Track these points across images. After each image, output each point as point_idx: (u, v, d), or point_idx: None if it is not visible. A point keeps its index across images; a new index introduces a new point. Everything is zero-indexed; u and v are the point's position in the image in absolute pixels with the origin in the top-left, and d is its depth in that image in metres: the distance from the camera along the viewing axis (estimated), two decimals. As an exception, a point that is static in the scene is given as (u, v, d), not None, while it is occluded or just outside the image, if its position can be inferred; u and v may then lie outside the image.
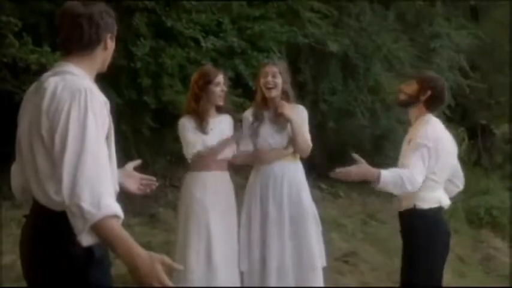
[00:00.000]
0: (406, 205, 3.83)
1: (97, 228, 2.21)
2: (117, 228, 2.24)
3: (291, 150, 4.45)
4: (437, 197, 3.85)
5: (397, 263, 6.42)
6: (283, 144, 4.45)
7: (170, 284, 2.22)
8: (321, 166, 9.45)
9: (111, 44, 2.58)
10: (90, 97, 2.35)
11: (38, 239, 2.42)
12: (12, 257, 4.73)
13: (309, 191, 4.53)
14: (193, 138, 4.28)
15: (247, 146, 4.45)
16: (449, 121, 14.55)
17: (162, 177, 6.93)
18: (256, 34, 7.18)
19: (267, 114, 4.49)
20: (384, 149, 9.46)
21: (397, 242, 7.23)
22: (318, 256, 4.43)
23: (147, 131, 6.85)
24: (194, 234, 4.27)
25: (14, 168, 2.57)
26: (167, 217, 6.56)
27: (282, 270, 4.32)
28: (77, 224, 2.22)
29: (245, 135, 4.47)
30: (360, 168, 3.64)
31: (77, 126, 2.29)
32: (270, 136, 4.45)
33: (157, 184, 3.28)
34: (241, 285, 4.37)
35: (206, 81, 4.37)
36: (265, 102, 4.48)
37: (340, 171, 3.63)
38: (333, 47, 7.90)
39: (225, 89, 4.43)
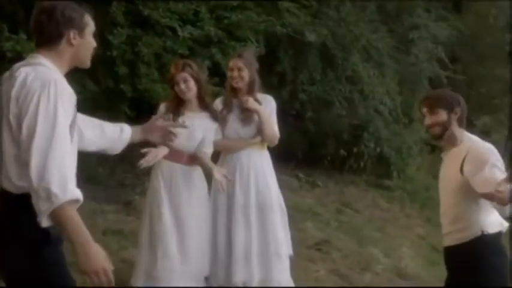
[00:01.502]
0: (471, 234, 3.55)
1: (59, 210, 2.34)
2: (75, 214, 2.39)
3: (258, 139, 4.50)
4: (499, 219, 3.63)
5: (368, 251, 6.58)
6: (250, 133, 4.50)
7: (111, 276, 2.43)
8: (299, 156, 9.56)
9: (79, 40, 2.64)
10: (59, 88, 2.46)
11: (4, 224, 2.51)
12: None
13: (275, 180, 4.59)
14: None
15: (218, 134, 4.48)
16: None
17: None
18: (233, 23, 7.22)
19: (235, 103, 4.53)
20: (363, 139, 9.54)
21: (370, 230, 7.41)
22: (284, 244, 4.49)
23: (123, 119, 6.86)
24: (159, 221, 4.32)
25: None
26: (142, 205, 6.60)
27: (248, 257, 4.37)
28: (41, 206, 2.33)
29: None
30: None
31: (47, 114, 2.39)
32: (237, 125, 4.49)
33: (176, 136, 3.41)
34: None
35: (170, 78, 4.41)
36: (234, 91, 4.52)
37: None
38: (311, 37, 7.95)
39: (183, 87, 4.29)
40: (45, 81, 2.45)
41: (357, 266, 6.05)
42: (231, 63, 4.52)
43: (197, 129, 4.34)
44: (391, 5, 10.59)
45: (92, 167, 6.79)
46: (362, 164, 9.42)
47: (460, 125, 3.66)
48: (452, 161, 3.61)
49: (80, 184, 2.56)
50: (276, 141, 4.55)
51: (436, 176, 4.01)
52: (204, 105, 4.42)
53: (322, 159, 9.51)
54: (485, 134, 15.73)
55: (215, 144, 4.45)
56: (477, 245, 3.54)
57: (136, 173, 7.44)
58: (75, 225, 2.37)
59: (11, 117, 2.45)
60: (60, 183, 2.33)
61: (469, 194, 3.48)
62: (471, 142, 3.60)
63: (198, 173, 4.42)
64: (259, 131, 4.47)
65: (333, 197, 8.56)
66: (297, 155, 9.51)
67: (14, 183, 2.49)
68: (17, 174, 2.47)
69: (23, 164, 2.39)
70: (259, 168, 4.50)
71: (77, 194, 2.40)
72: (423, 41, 10.21)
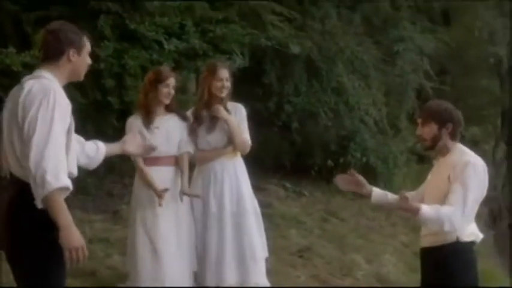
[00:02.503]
0: (446, 239, 3.64)
1: (50, 196, 2.79)
2: (62, 200, 2.84)
3: (230, 148, 4.66)
4: (475, 230, 3.75)
5: (350, 257, 6.71)
6: (222, 142, 4.66)
7: (86, 253, 2.87)
8: (287, 166, 9.72)
9: (77, 58, 3.14)
10: (58, 96, 2.96)
11: (13, 204, 2.96)
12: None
13: (249, 185, 4.73)
14: None
15: (188, 146, 4.63)
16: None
17: (128, 176, 7.10)
18: (218, 36, 7.39)
19: (206, 114, 4.68)
20: (350, 149, 9.69)
21: (354, 238, 7.54)
22: (259, 247, 4.64)
23: (111, 131, 7.02)
24: (141, 227, 4.49)
25: None
26: (129, 214, 6.74)
27: (221, 260, 4.52)
28: (37, 190, 2.80)
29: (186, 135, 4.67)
30: None
31: (45, 116, 2.88)
32: (209, 136, 4.65)
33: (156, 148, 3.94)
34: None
35: (157, 80, 4.57)
36: (209, 102, 4.64)
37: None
38: (295, 49, 8.14)
39: (172, 92, 4.59)
40: (47, 90, 2.94)
41: (338, 271, 6.17)
42: (223, 74, 4.65)
43: (173, 130, 4.59)
44: (377, 18, 10.78)
45: (81, 178, 6.92)
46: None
47: (452, 138, 3.71)
48: (442, 169, 3.70)
49: (69, 194, 2.91)
50: (248, 149, 4.69)
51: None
52: (171, 108, 4.63)
53: (309, 170, 9.67)
54: (473, 145, 15.94)
55: (191, 155, 4.63)
56: (450, 250, 3.64)
57: (124, 183, 7.61)
58: (61, 210, 2.82)
59: (19, 119, 2.92)
60: (53, 172, 2.79)
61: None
62: (465, 156, 3.65)
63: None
64: (230, 140, 4.62)
65: (319, 206, 8.69)
66: (285, 165, 9.67)
67: (24, 173, 2.91)
68: (24, 164, 2.90)
69: (27, 155, 2.84)
70: (232, 175, 4.65)
71: (67, 182, 2.84)
72: (408, 52, 10.39)
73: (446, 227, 3.49)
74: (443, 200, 3.59)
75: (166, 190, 4.44)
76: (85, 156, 3.32)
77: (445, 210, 3.48)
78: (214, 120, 4.62)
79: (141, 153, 3.85)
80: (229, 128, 4.58)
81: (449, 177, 3.58)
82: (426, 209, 3.47)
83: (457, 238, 3.62)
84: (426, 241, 3.79)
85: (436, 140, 3.69)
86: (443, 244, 3.66)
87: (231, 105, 4.69)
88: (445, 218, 3.47)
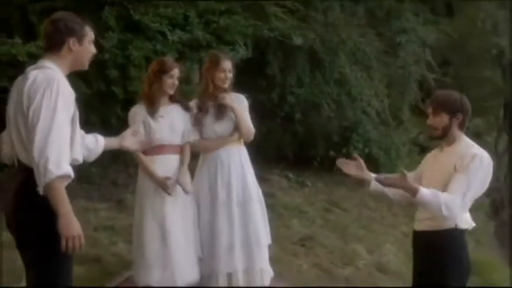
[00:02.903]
0: (445, 225, 3.71)
1: (52, 184, 2.86)
2: (63, 189, 2.92)
3: (235, 136, 4.73)
4: (469, 218, 3.83)
5: (352, 247, 6.79)
6: (228, 131, 4.72)
7: (83, 241, 2.96)
8: (290, 157, 9.80)
9: (78, 47, 3.19)
10: (61, 86, 3.02)
11: (20, 190, 3.07)
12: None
13: (253, 173, 4.80)
14: (139, 128, 4.52)
15: (191, 135, 4.70)
16: (421, 115, 14.96)
17: (133, 166, 7.18)
18: (221, 28, 7.45)
19: (211, 104, 4.74)
20: (352, 140, 9.76)
21: (356, 228, 7.61)
22: (263, 233, 4.73)
23: (115, 121, 7.10)
24: (148, 215, 4.56)
25: (3, 136, 3.21)
26: (134, 203, 6.82)
27: (231, 249, 4.61)
28: (40, 178, 2.87)
29: (190, 124, 4.74)
30: None
31: (49, 105, 2.95)
32: (215, 124, 4.72)
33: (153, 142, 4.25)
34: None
35: (161, 71, 4.63)
36: (213, 93, 4.71)
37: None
38: (298, 40, 8.20)
39: (177, 82, 4.66)
40: (50, 80, 3.00)
41: (339, 261, 6.24)
42: (226, 65, 4.70)
43: (176, 120, 4.64)
44: (380, 10, 10.81)
45: (86, 168, 7.02)
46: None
47: (461, 128, 3.75)
48: (447, 158, 3.73)
49: (72, 184, 3.00)
50: (252, 137, 4.75)
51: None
52: (174, 98, 4.69)
53: (312, 160, 9.74)
54: (476, 136, 15.98)
55: (194, 145, 4.69)
56: (447, 236, 3.71)
57: (128, 172, 7.69)
58: (61, 198, 2.91)
59: (25, 108, 2.99)
60: (56, 161, 2.86)
61: None
62: (471, 148, 3.68)
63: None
64: (236, 128, 4.70)
65: (322, 196, 8.76)
66: (287, 156, 9.75)
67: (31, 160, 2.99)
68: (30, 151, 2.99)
69: (32, 142, 2.92)
70: (238, 164, 4.72)
71: (68, 170, 2.91)
72: (411, 44, 10.43)
73: (444, 212, 3.53)
74: (444, 188, 3.63)
75: (167, 179, 4.52)
76: (84, 149, 3.38)
77: (445, 195, 3.53)
78: (220, 109, 4.68)
79: (138, 149, 3.91)
80: (235, 115, 4.65)
81: (455, 167, 3.62)
82: (425, 191, 3.53)
83: (456, 225, 3.68)
84: (424, 225, 3.83)
85: (446, 129, 3.72)
86: (442, 229, 3.71)
87: (233, 95, 4.76)
88: (444, 203, 3.52)
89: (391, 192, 3.91)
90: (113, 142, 3.61)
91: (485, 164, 3.65)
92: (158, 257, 4.53)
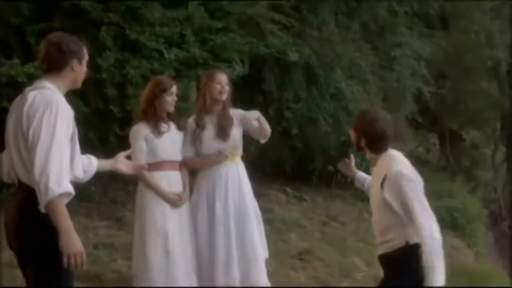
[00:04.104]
0: (396, 244, 3.74)
1: (52, 202, 2.91)
2: (64, 207, 2.97)
3: (240, 152, 4.86)
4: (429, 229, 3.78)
5: (350, 260, 6.83)
6: (228, 146, 4.80)
7: (85, 259, 2.99)
8: (288, 172, 9.85)
9: (79, 67, 3.28)
10: (60, 106, 3.08)
11: (21, 209, 3.11)
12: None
13: (250, 188, 4.87)
14: (143, 146, 4.61)
15: (188, 152, 4.78)
16: (419, 127, 15.05)
17: (131, 184, 7.24)
18: (218, 45, 7.51)
19: (209, 120, 4.82)
20: (349, 155, 9.78)
21: (354, 241, 7.65)
22: (260, 247, 4.77)
23: (114, 139, 7.16)
24: (151, 229, 4.62)
25: (3, 156, 3.25)
26: (133, 220, 6.87)
27: (229, 263, 4.66)
28: (41, 196, 2.92)
29: (187, 141, 4.81)
30: None
31: (49, 125, 3.00)
32: (214, 140, 4.79)
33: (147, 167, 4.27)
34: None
35: (161, 90, 4.71)
36: (210, 108, 4.79)
37: None
38: (293, 56, 8.29)
39: (175, 99, 4.76)
40: (49, 100, 3.06)
41: (337, 273, 6.29)
42: (219, 77, 4.82)
43: (175, 136, 4.76)
44: (375, 24, 10.91)
45: (85, 186, 7.06)
46: (349, 179, 9.63)
47: (372, 150, 3.81)
48: (375, 178, 3.83)
49: (73, 202, 3.07)
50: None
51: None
52: (171, 115, 4.79)
53: (310, 175, 9.80)
54: (473, 148, 16.07)
55: (196, 161, 4.78)
56: (402, 254, 3.73)
57: (127, 190, 7.75)
58: (62, 215, 2.95)
59: (24, 129, 3.05)
60: (56, 179, 2.92)
61: (389, 209, 3.72)
62: (391, 167, 3.71)
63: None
64: (260, 130, 4.85)
65: (320, 210, 8.81)
66: (286, 171, 9.80)
67: (32, 180, 3.03)
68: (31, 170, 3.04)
69: (32, 162, 2.98)
70: (236, 178, 4.79)
71: (68, 188, 2.97)
72: (406, 58, 10.53)
73: (427, 238, 3.55)
74: (379, 207, 3.77)
75: (176, 195, 4.65)
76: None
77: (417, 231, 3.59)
78: (221, 125, 4.76)
79: (131, 172, 3.89)
80: (261, 122, 4.78)
81: (382, 185, 3.68)
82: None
83: (406, 242, 3.72)
84: (380, 248, 3.89)
85: (358, 147, 3.85)
86: (395, 249, 3.74)
87: (232, 111, 4.86)
88: (423, 235, 3.56)
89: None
90: (107, 164, 3.64)
91: (408, 177, 3.68)
92: (162, 270, 4.60)
